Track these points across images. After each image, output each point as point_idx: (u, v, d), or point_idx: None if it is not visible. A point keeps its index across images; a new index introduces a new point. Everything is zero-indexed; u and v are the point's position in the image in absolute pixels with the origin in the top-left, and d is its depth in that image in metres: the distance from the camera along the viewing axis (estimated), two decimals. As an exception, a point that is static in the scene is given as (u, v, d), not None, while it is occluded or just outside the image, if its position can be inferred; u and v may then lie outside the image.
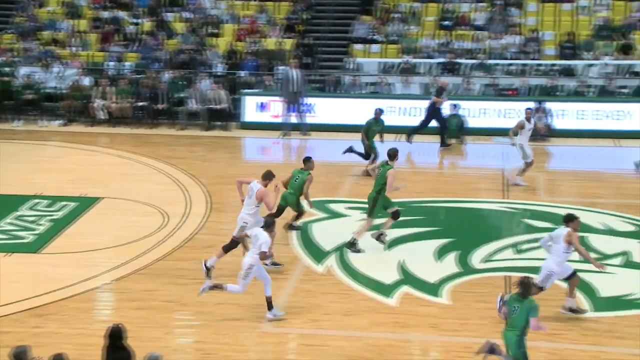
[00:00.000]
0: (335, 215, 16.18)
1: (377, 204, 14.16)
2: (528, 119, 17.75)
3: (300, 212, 15.06)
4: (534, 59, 24.47)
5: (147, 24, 27.17)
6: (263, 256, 11.54)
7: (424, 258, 13.94)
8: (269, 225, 11.85)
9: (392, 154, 14.30)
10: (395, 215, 14.39)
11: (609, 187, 18.13)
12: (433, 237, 14.81)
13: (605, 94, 22.55)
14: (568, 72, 23.73)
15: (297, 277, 13.36)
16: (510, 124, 20.85)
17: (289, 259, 14.01)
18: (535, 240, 14.20)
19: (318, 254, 14.21)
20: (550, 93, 22.90)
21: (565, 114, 22.13)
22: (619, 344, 11.13)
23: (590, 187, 18.02)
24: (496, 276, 13.27)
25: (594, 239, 14.56)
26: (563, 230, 11.47)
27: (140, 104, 23.71)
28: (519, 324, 9.44)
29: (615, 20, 25.08)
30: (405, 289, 12.76)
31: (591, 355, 10.81)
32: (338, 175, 18.88)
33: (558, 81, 23.23)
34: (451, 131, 21.79)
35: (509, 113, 22.01)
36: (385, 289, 12.72)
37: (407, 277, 13.15)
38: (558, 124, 21.94)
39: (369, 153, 18.86)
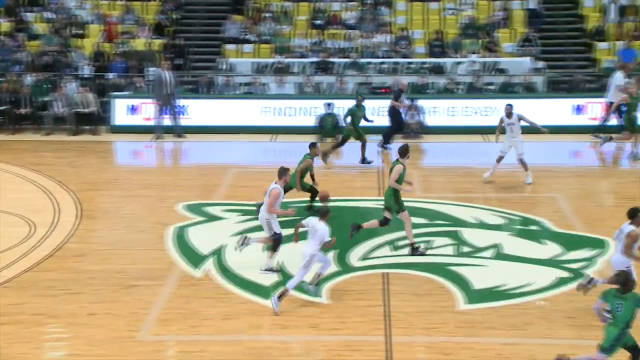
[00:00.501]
0: (212, 218, 15.91)
1: (398, 198, 13.82)
2: (508, 115, 17.78)
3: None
4: (404, 57, 24.90)
5: (4, 24, 26.07)
6: (328, 245, 12.14)
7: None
8: (324, 214, 12.18)
9: (403, 151, 13.99)
10: (384, 222, 14.06)
11: (480, 181, 18.58)
12: (311, 237, 14.75)
13: (473, 91, 23.18)
14: (438, 70, 24.27)
15: (173, 282, 13.02)
16: (382, 121, 21.23)
17: (165, 264, 13.66)
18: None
19: (195, 258, 13.91)
20: (422, 91, 23.35)
21: (437, 111, 22.61)
22: (492, 334, 11.37)
23: (463, 182, 18.43)
24: (374, 274, 13.34)
25: (466, 233, 14.87)
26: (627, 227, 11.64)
27: (1, 108, 22.71)
28: (624, 318, 9.61)
29: (480, 19, 25.84)
30: (285, 290, 12.64)
31: (466, 347, 10.99)
32: (214, 177, 18.61)
33: (428, 79, 23.72)
34: (327, 130, 21.88)
35: (382, 111, 22.28)
36: (265, 291, 12.57)
37: (287, 279, 13.04)
38: (430, 120, 22.38)
39: (346, 141, 19.72)
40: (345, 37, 25.81)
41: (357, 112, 19.70)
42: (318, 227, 12.05)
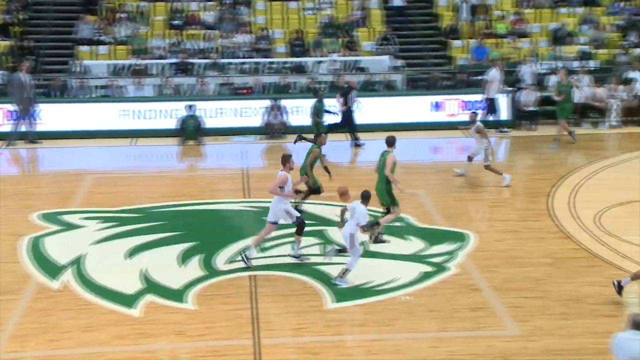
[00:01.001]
0: (70, 226, 15.27)
1: (391, 193, 14.30)
2: (472, 122, 17.75)
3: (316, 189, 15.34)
4: (265, 57, 24.81)
5: None
6: (364, 229, 12.74)
7: (168, 264, 13.49)
8: (365, 198, 12.73)
9: (390, 141, 14.57)
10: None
11: (347, 180, 18.65)
12: (176, 242, 14.39)
13: (335, 90, 23.33)
14: (299, 70, 24.31)
15: (29, 296, 12.37)
16: (246, 122, 21.03)
17: (20, 277, 12.98)
18: (277, 237, 14.26)
19: (52, 269, 13.28)
20: (284, 91, 23.31)
21: (300, 111, 22.63)
22: (360, 332, 11.42)
23: (330, 180, 18.45)
24: (241, 276, 13.15)
25: (333, 232, 14.88)
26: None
27: None
28: None
29: (339, 18, 26.08)
30: (149, 297, 12.25)
31: (335, 345, 10.98)
32: (71, 184, 17.90)
33: (290, 78, 23.71)
34: (188, 132, 21.50)
35: (245, 112, 22.09)
36: (128, 300, 12.14)
37: (151, 286, 12.65)
38: (293, 120, 22.37)
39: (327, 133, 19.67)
40: (204, 38, 25.46)
41: (320, 107, 20.32)
42: (358, 209, 12.67)
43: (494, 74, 21.77)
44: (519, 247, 14.33)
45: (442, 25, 26.02)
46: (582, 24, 24.97)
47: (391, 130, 21.59)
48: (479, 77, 23.14)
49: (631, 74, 22.31)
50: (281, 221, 13.45)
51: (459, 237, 14.75)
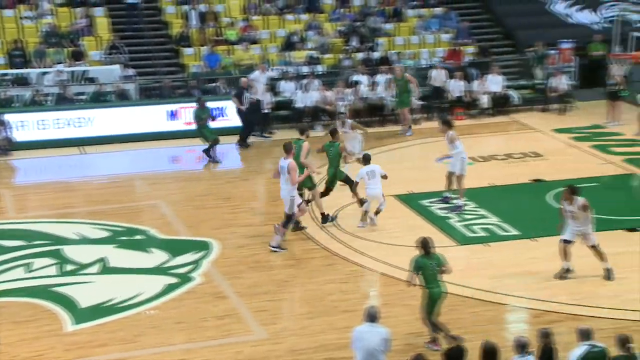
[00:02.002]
0: None
1: (310, 176, 15.20)
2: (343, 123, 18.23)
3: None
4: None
5: None
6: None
7: None
8: (367, 160, 15.24)
9: (302, 130, 15.81)
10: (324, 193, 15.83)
11: (79, 195, 17.91)
12: None
13: (63, 102, 22.26)
14: (21, 82, 22.88)
15: None
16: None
17: None
18: (8, 261, 13.32)
19: None
20: (6, 104, 21.83)
21: (25, 125, 21.32)
22: (103, 352, 10.96)
23: (61, 197, 17.58)
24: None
25: (69, 251, 14.17)
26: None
27: None
28: None
29: (63, 27, 24.92)
30: None
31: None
32: None
33: (12, 91, 22.26)
34: None
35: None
36: None
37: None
38: (18, 136, 21.03)
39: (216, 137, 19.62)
40: None
41: (201, 114, 19.79)
42: (374, 168, 15.10)
43: (257, 76, 21.97)
44: (263, 252, 14.46)
45: (172, 32, 25.75)
46: (308, 30, 25.82)
47: (127, 141, 21.20)
48: (213, 85, 23.16)
49: (356, 77, 23.39)
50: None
51: (203, 246, 14.61)
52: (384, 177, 15.34)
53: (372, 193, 15.24)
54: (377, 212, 15.38)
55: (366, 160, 15.56)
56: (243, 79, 22.00)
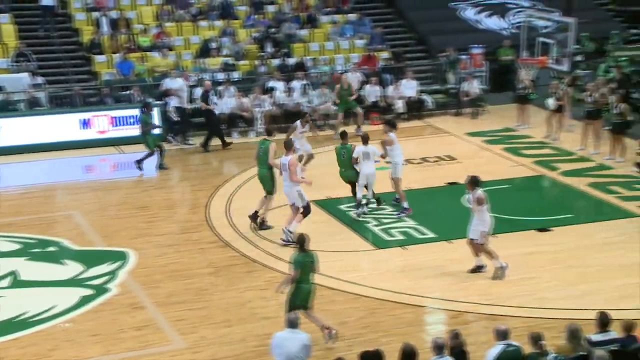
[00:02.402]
0: None
1: (274, 179, 15.46)
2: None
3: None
4: None
5: None
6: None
7: None
8: (365, 139, 15.79)
9: (269, 131, 16.08)
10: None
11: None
12: None
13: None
14: None
15: None
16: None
17: None
18: None
19: None
20: None
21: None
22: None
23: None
24: None
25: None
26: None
27: None
28: None
29: None
30: None
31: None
32: None
33: None
34: None
35: None
36: None
37: None
38: None
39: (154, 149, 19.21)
40: None
41: (146, 119, 19.42)
42: (369, 149, 15.59)
43: (181, 84, 21.72)
44: (180, 260, 14.32)
45: (82, 40, 25.24)
46: (223, 37, 25.68)
47: (39, 151, 20.67)
48: (127, 92, 22.80)
49: (272, 83, 23.38)
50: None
51: (119, 256, 14.37)
52: (382, 156, 16.19)
53: (366, 171, 15.83)
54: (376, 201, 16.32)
55: (364, 140, 15.97)
56: (207, 82, 22.07)
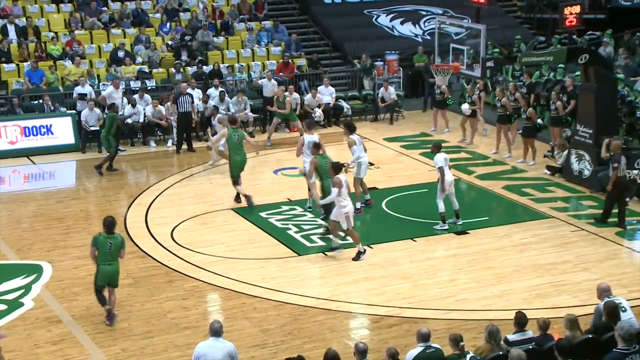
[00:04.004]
0: None
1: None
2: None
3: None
4: None
5: None
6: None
7: None
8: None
9: (233, 120, 17.25)
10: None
11: None
12: None
13: None
14: None
15: None
16: None
17: None
18: None
19: None
20: None
21: None
22: None
23: None
24: None
25: None
26: None
27: None
28: None
29: None
30: None
31: None
32: None
33: None
34: None
35: None
36: None
37: None
38: None
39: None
40: None
41: (113, 121, 19.20)
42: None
43: (111, 92, 21.26)
44: (98, 272, 14.00)
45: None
46: (136, 44, 25.31)
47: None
48: (37, 102, 22.24)
49: (188, 91, 23.13)
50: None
51: (33, 269, 14.01)
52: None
53: (361, 159, 16.47)
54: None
55: (351, 129, 16.69)
56: (183, 84, 21.89)
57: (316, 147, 15.67)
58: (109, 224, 11.98)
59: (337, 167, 14.59)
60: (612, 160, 15.96)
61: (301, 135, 17.67)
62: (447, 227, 15.76)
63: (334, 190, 14.18)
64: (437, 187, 15.81)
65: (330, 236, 14.89)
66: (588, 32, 27.21)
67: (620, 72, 22.71)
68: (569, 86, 21.02)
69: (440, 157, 15.80)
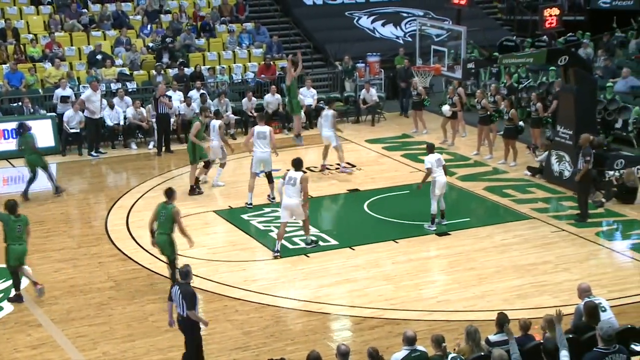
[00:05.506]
0: None
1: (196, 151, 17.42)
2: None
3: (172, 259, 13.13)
4: None
5: None
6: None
7: None
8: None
9: (203, 109, 18.39)
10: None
11: None
12: None
13: None
14: None
15: None
16: None
17: None
18: None
19: None
20: None
21: None
22: None
23: None
24: None
25: None
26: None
27: None
28: None
29: None
30: None
31: None
32: None
33: None
34: None
35: None
36: None
37: None
38: None
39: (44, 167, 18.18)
40: None
41: (28, 139, 17.92)
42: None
43: (89, 95, 21.11)
44: (79, 275, 13.95)
45: (-32, 50, 24.31)
46: (117, 46, 25.20)
47: None
48: (16, 105, 22.08)
49: (169, 93, 23.03)
50: None
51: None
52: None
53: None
54: None
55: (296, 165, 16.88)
56: (161, 86, 21.68)
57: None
58: (11, 207, 12.73)
59: (298, 163, 14.78)
60: (583, 153, 16.15)
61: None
62: (435, 228, 15.79)
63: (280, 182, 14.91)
64: (430, 187, 15.82)
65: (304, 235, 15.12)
66: (568, 34, 27.37)
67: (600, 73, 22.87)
68: (557, 87, 20.96)
69: (432, 158, 15.85)
